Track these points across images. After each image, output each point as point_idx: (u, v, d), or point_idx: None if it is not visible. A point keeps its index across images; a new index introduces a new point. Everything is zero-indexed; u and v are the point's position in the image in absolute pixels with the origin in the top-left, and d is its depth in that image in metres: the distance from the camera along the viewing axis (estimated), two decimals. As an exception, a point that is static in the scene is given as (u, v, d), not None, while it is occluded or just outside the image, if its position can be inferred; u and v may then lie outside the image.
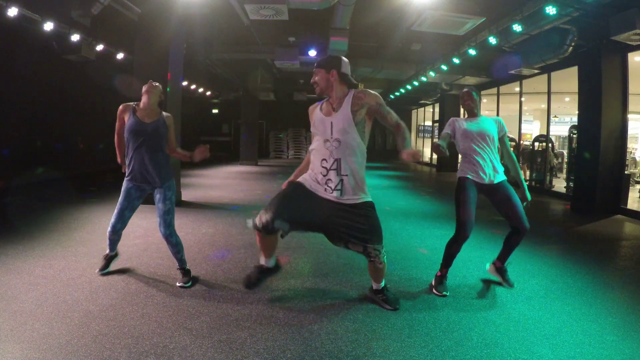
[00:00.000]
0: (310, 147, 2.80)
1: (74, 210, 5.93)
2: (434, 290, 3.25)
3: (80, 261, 3.71)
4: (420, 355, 2.30)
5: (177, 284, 3.26)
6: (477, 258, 4.05)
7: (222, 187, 9.35)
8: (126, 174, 3.27)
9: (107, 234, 3.35)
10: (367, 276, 3.54)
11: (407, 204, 7.63)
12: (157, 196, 3.26)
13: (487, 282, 3.49)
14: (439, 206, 7.55)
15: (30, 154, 9.29)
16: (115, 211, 3.28)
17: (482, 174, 3.23)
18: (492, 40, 7.58)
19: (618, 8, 5.78)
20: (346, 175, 2.66)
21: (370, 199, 2.77)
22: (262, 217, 2.60)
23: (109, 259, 3.48)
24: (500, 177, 3.29)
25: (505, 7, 7.06)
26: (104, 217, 5.47)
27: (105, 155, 10.20)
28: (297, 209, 2.64)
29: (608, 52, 6.79)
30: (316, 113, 2.77)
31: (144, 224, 5.04)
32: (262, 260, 2.86)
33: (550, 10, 5.95)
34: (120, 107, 3.27)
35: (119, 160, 3.45)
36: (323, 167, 2.68)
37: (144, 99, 3.24)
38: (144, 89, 3.24)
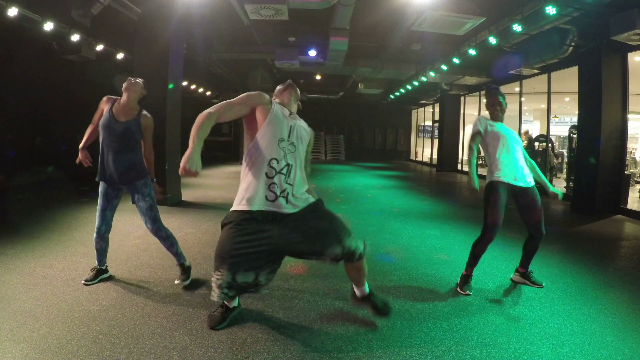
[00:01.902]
0: (249, 147, 2.41)
1: (74, 210, 5.93)
2: (458, 289, 3.28)
3: (80, 261, 3.71)
4: (420, 356, 2.30)
5: (175, 282, 3.27)
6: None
7: (222, 187, 9.35)
8: (99, 174, 3.13)
9: (94, 241, 3.20)
10: (368, 276, 3.53)
11: (407, 204, 7.63)
12: (135, 196, 3.15)
13: (487, 282, 3.49)
14: (439, 206, 7.55)
15: (30, 154, 9.29)
16: (97, 213, 3.15)
17: (514, 177, 3.24)
18: (492, 40, 7.58)
19: (618, 8, 5.78)
20: (291, 185, 2.38)
21: (313, 198, 2.48)
22: (218, 283, 2.30)
23: (98, 273, 3.25)
24: (532, 181, 3.30)
25: (505, 7, 7.06)
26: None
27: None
28: (250, 254, 2.27)
29: (608, 52, 6.79)
30: (275, 108, 2.47)
31: (144, 224, 5.03)
32: (228, 304, 2.64)
33: (550, 10, 5.95)
34: (104, 98, 3.19)
35: (80, 144, 3.24)
36: (271, 166, 2.34)
37: (123, 96, 3.16)
38: (123, 85, 3.16)
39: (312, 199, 2.47)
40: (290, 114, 2.57)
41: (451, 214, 6.78)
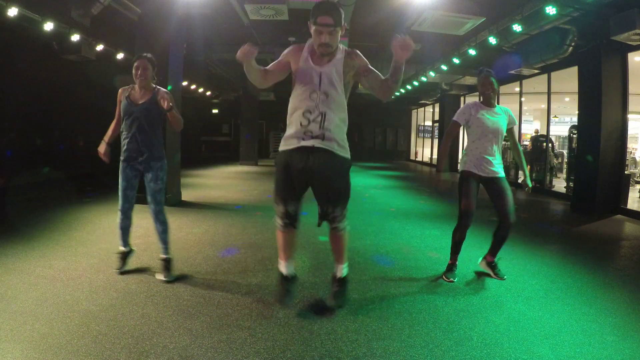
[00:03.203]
0: (293, 95, 2.63)
1: (74, 210, 5.93)
2: (443, 277, 3.50)
3: (80, 261, 3.71)
4: (420, 356, 2.30)
5: (157, 276, 3.31)
6: (476, 258, 4.04)
7: (222, 187, 9.35)
8: (121, 155, 3.31)
9: (118, 221, 3.37)
10: (368, 276, 3.55)
11: (407, 204, 7.63)
12: (149, 176, 3.29)
13: (487, 282, 3.49)
14: (439, 206, 7.55)
15: (30, 154, 9.29)
16: (119, 194, 3.33)
17: (486, 168, 3.39)
18: (492, 40, 7.58)
19: (618, 8, 5.77)
20: (329, 129, 2.57)
21: (349, 157, 2.70)
22: (279, 211, 2.73)
23: (124, 256, 3.47)
24: (502, 173, 3.44)
25: (505, 7, 7.06)
26: (104, 217, 5.47)
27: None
28: (292, 186, 2.68)
29: (608, 52, 6.79)
30: (303, 56, 2.61)
31: (144, 224, 5.04)
32: (283, 268, 2.85)
33: (550, 10, 5.95)
34: (119, 90, 3.34)
35: (105, 137, 3.38)
36: (305, 117, 2.56)
37: (137, 83, 3.28)
38: (133, 72, 3.23)
39: (343, 154, 2.65)
40: (321, 56, 2.57)
41: (451, 214, 6.77)
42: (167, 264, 3.35)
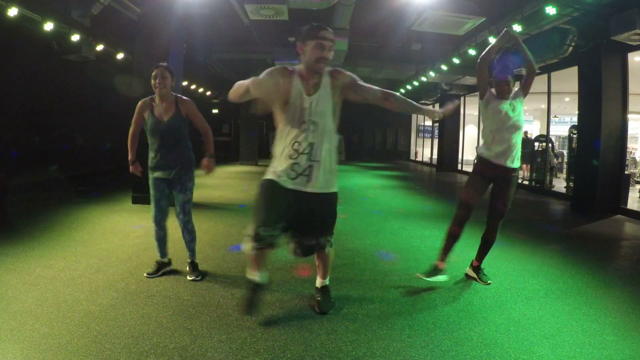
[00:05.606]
0: (278, 126, 2.57)
1: (74, 210, 5.93)
2: (419, 274, 3.35)
3: (80, 261, 3.71)
4: (420, 355, 2.30)
5: (188, 278, 3.34)
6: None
7: (222, 187, 9.35)
8: (149, 167, 3.31)
9: (153, 233, 3.38)
10: (368, 276, 3.56)
11: (407, 204, 7.63)
12: (178, 187, 3.31)
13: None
14: (439, 206, 7.55)
15: (30, 154, 9.29)
16: (153, 205, 3.34)
17: (505, 157, 3.20)
18: (492, 40, 7.58)
19: (618, 8, 5.78)
20: (317, 161, 2.47)
21: (335, 189, 2.62)
22: (250, 232, 2.50)
23: (160, 266, 3.42)
24: (517, 163, 3.27)
25: (505, 7, 7.06)
26: (104, 217, 5.47)
27: (105, 155, 10.21)
28: (275, 211, 2.49)
29: (608, 52, 6.79)
30: (295, 84, 2.46)
31: (144, 224, 5.04)
32: (255, 277, 2.64)
33: (550, 10, 5.95)
34: (140, 103, 3.32)
35: (129, 156, 3.43)
36: (294, 149, 2.46)
37: (157, 94, 3.27)
38: (152, 83, 3.22)
39: (332, 189, 2.58)
40: (312, 83, 2.48)
41: (451, 214, 6.73)
42: (194, 266, 3.43)
